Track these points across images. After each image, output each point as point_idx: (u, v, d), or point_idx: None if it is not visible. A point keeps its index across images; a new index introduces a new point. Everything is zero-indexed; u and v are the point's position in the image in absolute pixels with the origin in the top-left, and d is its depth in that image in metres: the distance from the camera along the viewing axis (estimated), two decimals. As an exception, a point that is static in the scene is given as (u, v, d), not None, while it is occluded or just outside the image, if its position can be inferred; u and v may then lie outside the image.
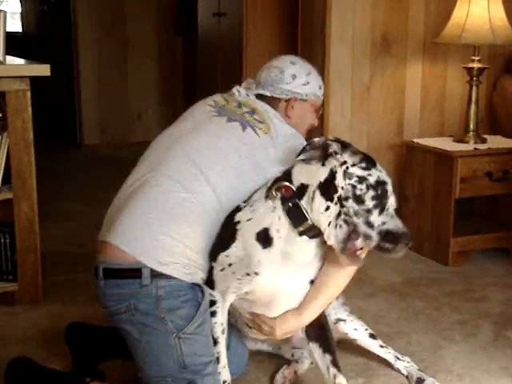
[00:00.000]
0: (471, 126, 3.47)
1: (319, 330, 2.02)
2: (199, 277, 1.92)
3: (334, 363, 1.97)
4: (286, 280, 1.86)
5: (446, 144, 3.44)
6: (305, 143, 1.89)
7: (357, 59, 3.56)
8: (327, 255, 1.86)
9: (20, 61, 2.99)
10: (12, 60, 2.93)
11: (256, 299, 1.92)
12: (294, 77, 2.18)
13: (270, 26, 4.30)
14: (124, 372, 2.23)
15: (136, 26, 6.39)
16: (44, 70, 2.73)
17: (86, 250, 3.55)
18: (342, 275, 1.90)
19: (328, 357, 1.98)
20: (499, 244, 3.49)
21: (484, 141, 3.46)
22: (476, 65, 3.40)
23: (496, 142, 3.51)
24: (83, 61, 6.25)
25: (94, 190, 4.84)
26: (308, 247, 1.82)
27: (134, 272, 1.84)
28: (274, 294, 1.89)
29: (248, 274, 1.83)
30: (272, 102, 2.17)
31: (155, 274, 1.84)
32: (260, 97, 2.18)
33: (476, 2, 3.27)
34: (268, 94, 2.18)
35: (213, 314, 1.92)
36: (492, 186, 3.36)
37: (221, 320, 1.94)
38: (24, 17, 7.54)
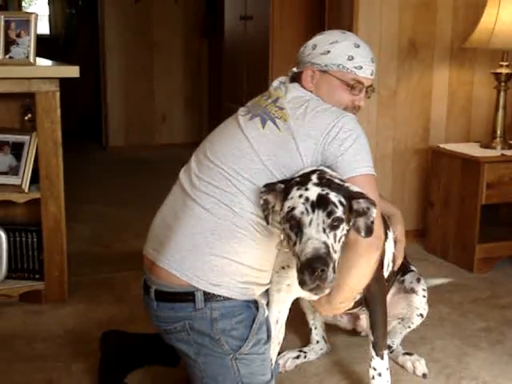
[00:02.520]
0: (498, 132, 3.45)
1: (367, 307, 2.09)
2: (257, 291, 1.91)
3: (373, 345, 2.08)
4: None
5: (472, 149, 3.42)
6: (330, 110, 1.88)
7: (383, 64, 3.55)
8: (346, 248, 1.82)
9: (49, 62, 3.03)
10: (42, 61, 2.96)
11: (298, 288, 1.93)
12: (315, 47, 2.00)
13: (296, 30, 4.30)
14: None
15: (162, 29, 6.45)
16: (73, 71, 2.77)
17: (111, 250, 3.60)
18: (352, 278, 1.85)
19: (371, 337, 2.09)
20: (525, 251, 3.46)
21: (511, 147, 3.43)
22: (504, 70, 3.37)
23: (523, 148, 3.48)
24: (110, 63, 6.31)
25: (119, 191, 4.89)
26: None
27: (188, 295, 1.82)
28: None
29: (283, 268, 1.94)
30: (297, 78, 2.02)
31: (208, 297, 1.82)
32: (293, 77, 2.05)
33: (505, 7, 3.25)
34: (295, 70, 2.05)
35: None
36: (518, 192, 3.33)
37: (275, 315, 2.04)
38: (52, 19, 7.64)
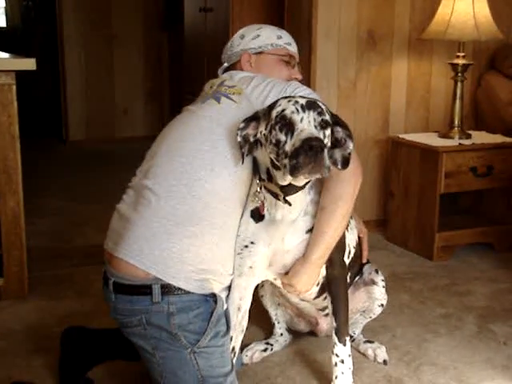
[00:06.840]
0: (456, 122, 3.50)
1: (330, 293, 2.09)
2: (215, 286, 1.90)
3: (336, 332, 2.08)
4: (279, 240, 1.94)
5: (431, 139, 3.47)
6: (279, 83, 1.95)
7: (343, 55, 3.58)
8: (320, 202, 1.90)
9: (5, 55, 2.98)
10: (-3, 54, 2.92)
11: (261, 269, 1.99)
12: (243, 36, 2.19)
13: (256, 21, 4.26)
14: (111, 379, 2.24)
15: (122, 21, 6.38)
16: (30, 64, 2.72)
17: (72, 245, 3.56)
18: (337, 216, 1.90)
19: (333, 323, 2.09)
20: (483, 239, 3.53)
21: (468, 136, 3.49)
22: (461, 61, 3.43)
23: (480, 137, 3.54)
24: (68, 56, 6.22)
25: (80, 185, 4.84)
26: (293, 206, 1.89)
27: (145, 288, 1.81)
28: (274, 255, 1.97)
29: (246, 246, 1.95)
30: (234, 68, 2.18)
31: (166, 291, 1.80)
32: (225, 72, 2.19)
33: (460, -2, 3.30)
34: (226, 64, 2.22)
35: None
36: (476, 181, 3.39)
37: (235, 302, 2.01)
38: (8, 11, 7.49)
